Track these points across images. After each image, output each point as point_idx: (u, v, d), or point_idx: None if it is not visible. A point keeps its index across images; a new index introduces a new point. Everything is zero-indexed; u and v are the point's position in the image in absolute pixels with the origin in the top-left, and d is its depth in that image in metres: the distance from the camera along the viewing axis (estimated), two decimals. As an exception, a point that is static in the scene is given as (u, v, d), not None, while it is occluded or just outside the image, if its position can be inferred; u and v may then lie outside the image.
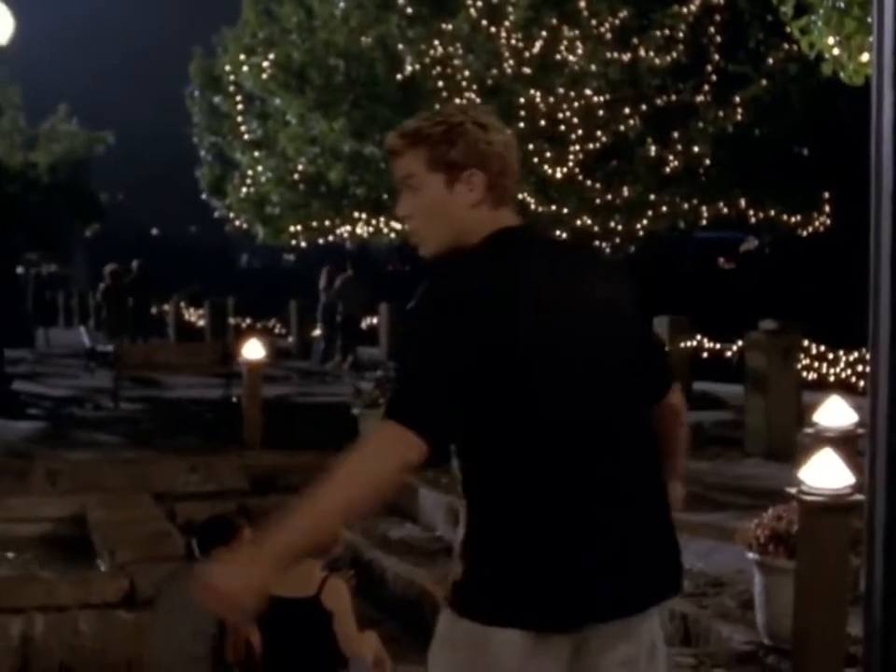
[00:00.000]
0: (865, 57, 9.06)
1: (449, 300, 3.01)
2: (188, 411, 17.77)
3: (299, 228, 23.52)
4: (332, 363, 23.84)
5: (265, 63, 22.01)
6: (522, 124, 19.67)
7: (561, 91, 19.91)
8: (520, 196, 19.62)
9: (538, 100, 19.79)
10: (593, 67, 19.97)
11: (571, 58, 20.06)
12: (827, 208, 22.02)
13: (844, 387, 13.93)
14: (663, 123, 20.40)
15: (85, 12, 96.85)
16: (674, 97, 20.54)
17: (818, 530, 5.88)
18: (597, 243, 22.20)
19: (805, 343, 16.23)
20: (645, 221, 20.89)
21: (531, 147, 19.73)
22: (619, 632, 3.12)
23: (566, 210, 20.13)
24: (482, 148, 3.20)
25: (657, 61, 20.31)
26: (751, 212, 21.51)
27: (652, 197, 20.46)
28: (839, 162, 20.04)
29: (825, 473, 5.81)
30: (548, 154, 19.92)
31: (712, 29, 20.83)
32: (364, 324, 24.77)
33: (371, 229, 22.89)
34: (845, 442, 7.34)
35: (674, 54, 20.48)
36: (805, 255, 32.12)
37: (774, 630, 6.77)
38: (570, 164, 20.16)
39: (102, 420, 16.71)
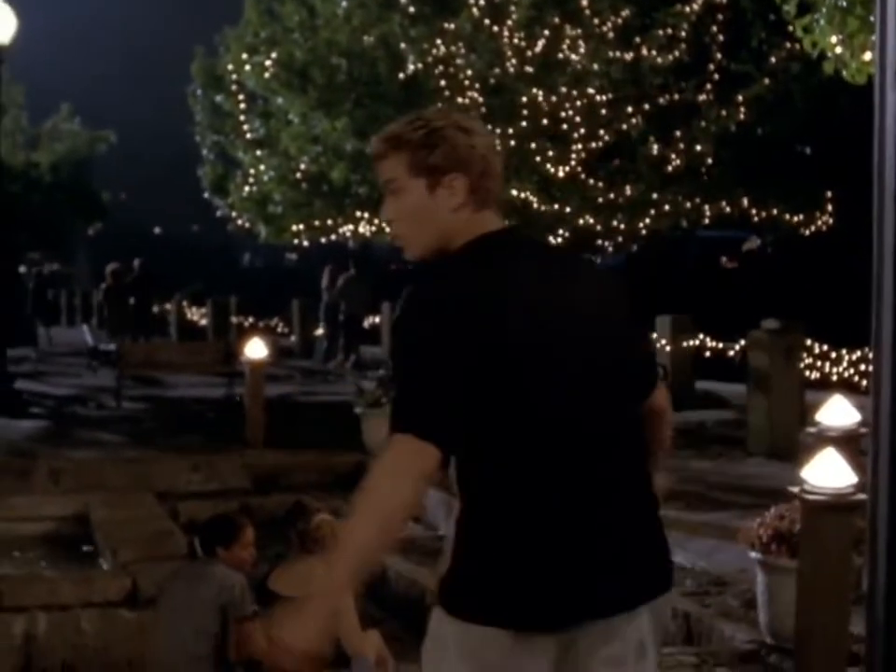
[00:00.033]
0: (868, 56, 9.06)
1: (437, 304, 3.01)
2: (190, 410, 17.77)
3: (301, 227, 23.51)
4: (335, 362, 23.85)
5: (267, 63, 22.01)
6: (524, 123, 19.68)
7: (563, 89, 19.90)
8: (522, 195, 19.64)
9: (540, 99, 19.78)
10: (595, 66, 19.97)
11: (574, 57, 20.05)
12: (829, 207, 22.01)
13: (846, 386, 13.91)
14: (665, 122, 20.40)
15: (87, 12, 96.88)
16: (676, 96, 20.53)
17: (820, 529, 5.88)
18: (600, 242, 22.23)
19: (808, 342, 16.23)
20: (647, 220, 20.88)
21: (534, 145, 19.74)
22: (606, 631, 3.12)
23: (568, 209, 20.13)
24: (463, 152, 3.18)
25: (659, 60, 20.31)
26: (754, 211, 21.50)
27: (655, 196, 20.46)
28: (841, 161, 20.04)
29: (828, 472, 5.81)
30: (550, 153, 19.92)
31: (714, 28, 20.82)
32: (366, 323, 24.77)
33: (373, 228, 22.88)
34: (847, 442, 7.33)
35: (676, 53, 20.47)
36: (807, 254, 32.10)
37: (776, 629, 6.77)
38: (573, 163, 20.16)
39: (104, 419, 16.71)
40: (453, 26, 20.06)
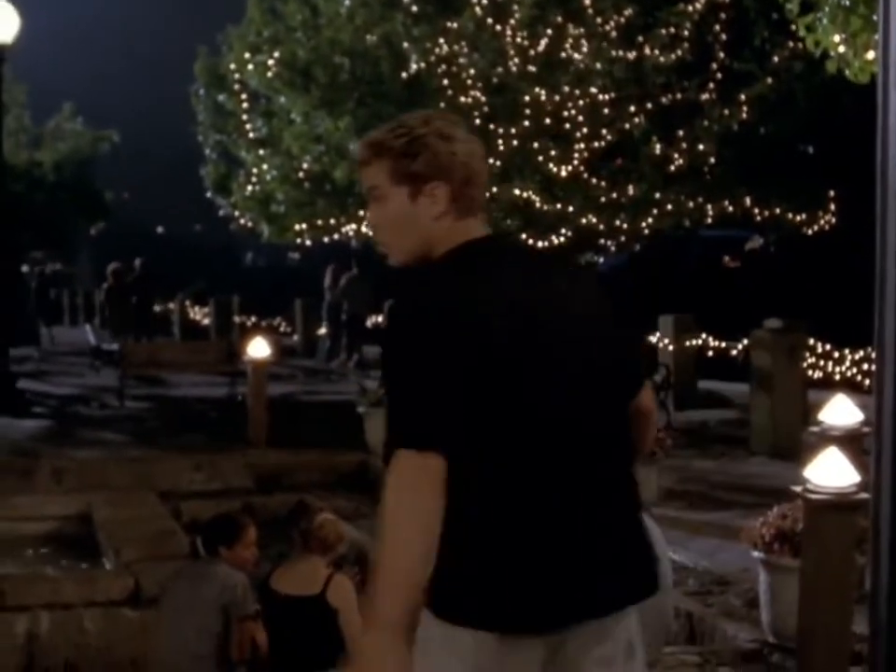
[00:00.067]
0: (871, 55, 9.06)
1: (422, 314, 3.00)
2: (193, 409, 17.79)
3: (304, 226, 23.51)
4: (337, 361, 23.86)
5: (270, 62, 22.00)
6: (527, 122, 19.67)
7: (566, 89, 19.89)
8: (525, 194, 19.64)
9: (543, 98, 19.77)
10: (598, 65, 19.96)
11: (576, 56, 20.04)
12: (832, 206, 21.99)
13: (849, 386, 13.90)
14: (668, 121, 20.38)
15: (89, 11, 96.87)
16: (679, 95, 20.52)
17: (823, 529, 5.87)
18: (603, 241, 22.22)
19: (811, 341, 16.23)
20: (650, 220, 20.87)
21: (536, 145, 19.74)
22: (597, 631, 3.11)
23: (571, 208, 20.11)
24: (445, 160, 3.18)
25: (662, 59, 20.29)
26: (756, 210, 21.48)
27: (657, 195, 20.45)
28: (844, 160, 20.02)
29: (830, 472, 5.81)
30: (553, 152, 19.91)
31: (717, 27, 20.80)
32: (369, 322, 24.76)
33: (375, 227, 22.84)
34: (850, 441, 7.34)
35: (679, 52, 20.46)
36: (810, 253, 32.06)
37: (779, 628, 6.77)
38: (575, 162, 20.15)
39: (107, 418, 16.72)
40: (455, 25, 20.05)
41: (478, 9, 19.92)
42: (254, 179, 23.99)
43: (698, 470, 12.68)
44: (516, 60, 19.94)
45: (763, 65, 20.30)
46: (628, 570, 3.19)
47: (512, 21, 19.89)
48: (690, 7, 20.47)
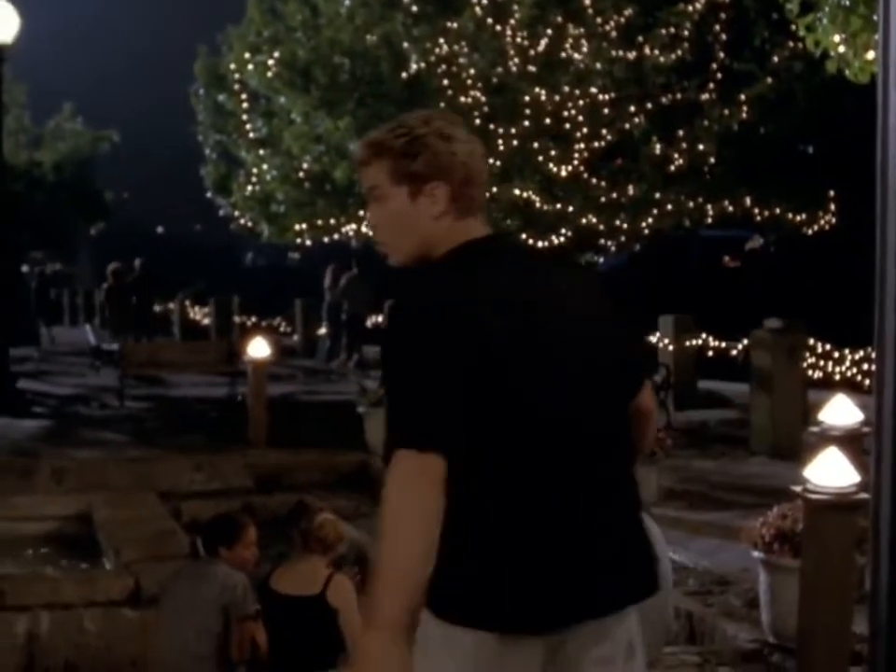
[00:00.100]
0: (871, 55, 9.06)
1: (423, 315, 3.00)
2: (193, 409, 17.79)
3: (304, 226, 23.50)
4: (337, 361, 23.86)
5: (270, 62, 22.00)
6: (527, 122, 19.67)
7: (566, 89, 19.89)
8: (525, 194, 19.63)
9: (543, 98, 19.77)
10: (598, 65, 19.96)
11: (576, 56, 20.04)
12: (832, 206, 21.98)
13: (849, 386, 13.90)
14: (668, 121, 20.38)
15: (89, 11, 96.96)
16: (679, 95, 20.52)
17: (823, 529, 5.88)
18: (603, 241, 22.22)
19: (811, 341, 16.24)
20: (650, 220, 20.87)
21: (536, 145, 19.74)
22: (597, 631, 3.11)
23: (571, 208, 20.11)
24: (444, 160, 3.19)
25: (662, 59, 20.29)
26: (757, 210, 21.47)
27: (657, 195, 20.45)
28: (844, 160, 20.02)
29: (830, 472, 5.81)
30: (553, 152, 19.91)
31: (717, 27, 20.80)
32: (369, 322, 24.77)
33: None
34: (850, 441, 7.34)
35: (679, 52, 20.46)
36: (810, 253, 32.08)
37: (779, 628, 6.77)
38: (575, 162, 20.15)
39: (107, 419, 16.73)
40: (455, 25, 20.05)
41: (478, 9, 19.92)
42: (254, 179, 23.99)
43: (698, 470, 12.69)
44: (516, 60, 19.94)
45: (762, 65, 20.30)
46: (628, 570, 3.19)
47: (512, 21, 19.89)
48: (690, 7, 20.46)
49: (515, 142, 19.64)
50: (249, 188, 24.11)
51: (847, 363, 16.74)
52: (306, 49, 21.68)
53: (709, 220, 21.96)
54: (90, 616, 8.13)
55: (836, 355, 16.86)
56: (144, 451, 13.80)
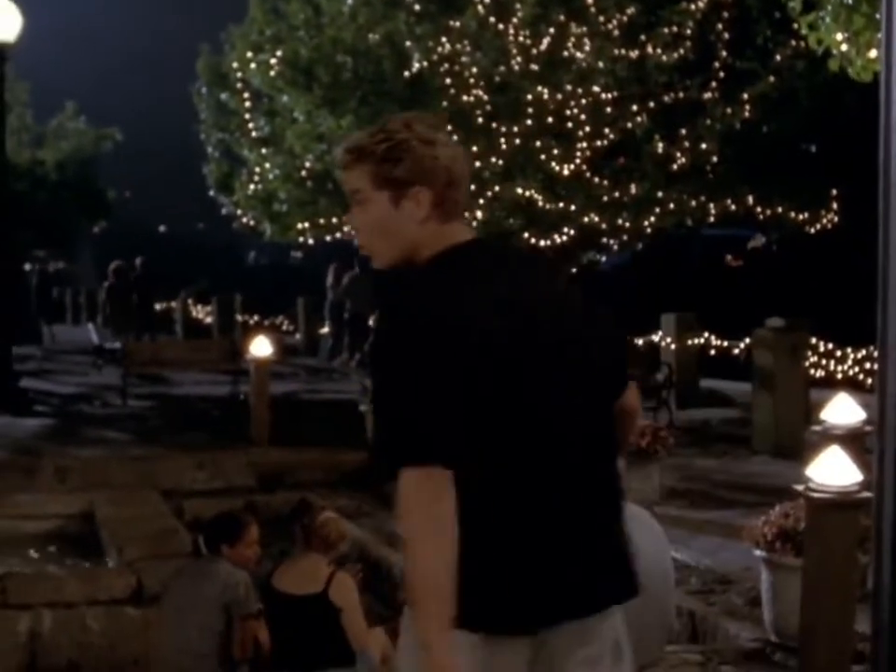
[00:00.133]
0: (873, 53, 9.06)
1: (413, 323, 2.99)
2: (195, 408, 17.79)
3: (306, 225, 23.47)
4: (340, 360, 23.86)
5: (273, 61, 21.98)
6: (529, 121, 19.65)
7: (569, 87, 19.87)
8: (527, 193, 19.62)
9: (545, 97, 19.75)
10: (600, 64, 19.93)
11: (579, 55, 20.02)
12: (835, 205, 21.95)
13: (851, 385, 13.90)
14: (670, 120, 20.36)
15: (92, 10, 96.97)
16: (681, 94, 20.49)
17: (825, 527, 5.88)
18: (605, 240, 22.20)
19: (813, 340, 16.23)
20: (652, 218, 20.84)
21: (539, 143, 19.72)
22: (581, 631, 3.13)
23: (573, 207, 20.09)
24: (427, 164, 3.19)
25: (665, 58, 20.27)
26: (759, 209, 21.44)
27: (660, 194, 20.42)
28: (847, 159, 20.00)
29: (833, 470, 5.81)
30: (555, 151, 19.89)
31: (720, 26, 20.77)
32: (371, 321, 24.75)
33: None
34: (852, 440, 7.35)
35: (681, 51, 20.43)
36: (812, 252, 32.07)
37: (781, 627, 6.78)
38: (578, 161, 20.13)
39: (110, 417, 16.73)
40: (458, 24, 20.03)
41: (480, 8, 19.90)
42: (256, 178, 23.96)
43: (700, 469, 12.69)
44: (519, 58, 19.92)
45: (765, 64, 20.27)
46: (613, 570, 3.21)
47: (515, 20, 19.87)
48: (692, 6, 20.44)
49: (518, 140, 19.62)
50: (252, 186, 24.08)
51: (850, 362, 16.74)
52: (309, 48, 21.66)
53: (712, 219, 21.93)
54: (92, 614, 8.14)
55: (839, 353, 16.86)
56: (146, 449, 13.81)
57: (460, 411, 2.94)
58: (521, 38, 19.90)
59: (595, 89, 19.95)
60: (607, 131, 20.22)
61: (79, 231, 41.72)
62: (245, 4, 24.08)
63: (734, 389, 17.48)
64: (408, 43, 20.40)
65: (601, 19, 20.12)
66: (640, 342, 18.31)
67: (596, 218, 20.44)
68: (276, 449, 13.31)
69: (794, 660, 6.38)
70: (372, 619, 6.71)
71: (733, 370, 17.52)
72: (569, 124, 20.01)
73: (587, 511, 3.14)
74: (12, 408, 16.54)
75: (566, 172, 20.01)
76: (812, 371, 15.83)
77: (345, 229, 22.93)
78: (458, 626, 2.98)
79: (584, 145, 20.11)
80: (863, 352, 16.37)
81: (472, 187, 19.49)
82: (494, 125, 19.63)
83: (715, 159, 20.56)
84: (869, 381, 15.03)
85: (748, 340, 15.92)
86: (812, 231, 22.45)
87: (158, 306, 29.26)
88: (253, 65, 22.59)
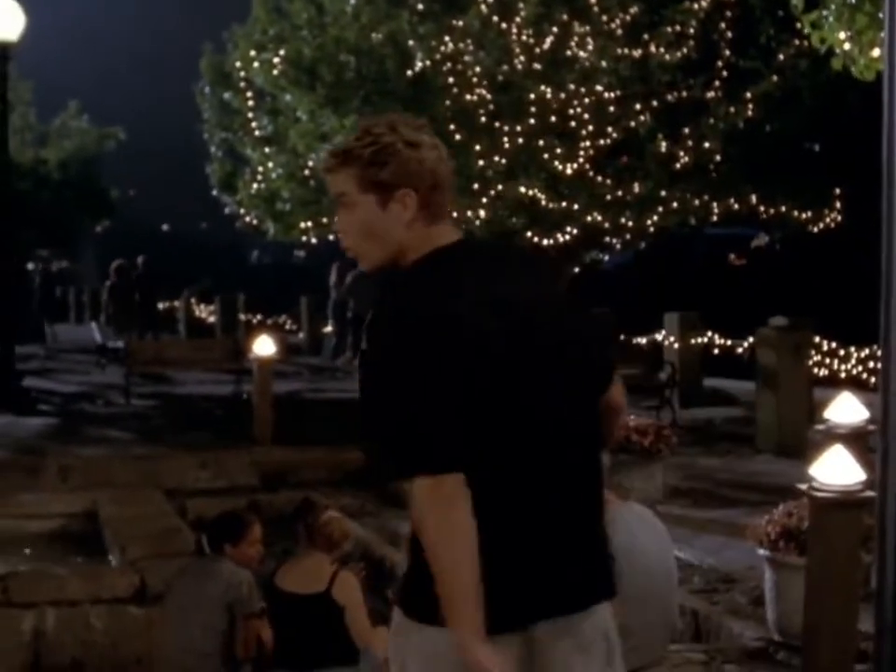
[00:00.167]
0: (876, 52, 9.05)
1: (406, 328, 3.00)
2: (198, 407, 17.80)
3: (309, 224, 23.46)
4: (343, 359, 23.86)
5: (276, 60, 21.97)
6: (532, 120, 19.65)
7: (572, 87, 19.86)
8: (530, 192, 19.62)
9: (548, 96, 19.74)
10: (603, 63, 19.92)
11: (582, 54, 20.01)
12: (838, 204, 21.94)
13: (855, 384, 13.91)
14: (673, 119, 20.35)
15: (95, 9, 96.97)
16: (684, 93, 20.48)
17: (828, 527, 5.88)
18: (608, 239, 22.20)
19: (816, 339, 16.22)
20: (655, 217, 20.83)
21: (541, 143, 19.72)
22: (567, 627, 3.16)
23: (576, 206, 20.08)
24: (413, 167, 3.20)
25: (668, 57, 20.26)
26: (762, 208, 21.43)
27: (663, 193, 20.41)
28: (850, 158, 19.97)
29: (836, 470, 5.81)
30: (558, 150, 19.88)
31: (723, 25, 20.75)
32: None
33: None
34: (856, 439, 7.35)
35: (685, 50, 20.42)
36: (816, 251, 32.08)
37: (784, 626, 6.77)
38: (581, 160, 20.12)
39: (113, 416, 16.74)
40: (461, 23, 20.02)
41: (483, 7, 19.90)
42: (259, 177, 23.95)
43: (704, 468, 12.69)
44: (522, 58, 19.91)
45: (768, 63, 20.26)
46: (600, 567, 3.27)
47: (518, 19, 19.87)
48: (695, 5, 20.43)
49: (521, 140, 19.61)
50: (255, 185, 24.07)
51: (853, 361, 16.73)
52: (312, 48, 21.66)
53: (715, 218, 21.91)
54: (95, 613, 8.14)
55: (842, 353, 16.85)
56: (149, 448, 13.81)
57: (461, 414, 2.95)
58: (524, 37, 19.89)
59: (599, 88, 19.94)
60: (610, 130, 20.22)
61: (82, 231, 41.75)
62: (248, 3, 24.08)
63: (737, 388, 17.48)
64: (411, 42, 20.40)
65: (604, 18, 20.12)
66: (643, 340, 18.33)
67: (599, 217, 20.43)
68: (279, 448, 13.31)
69: (798, 659, 6.37)
70: (376, 617, 6.70)
71: (736, 369, 17.53)
72: (572, 123, 20.01)
73: (576, 509, 3.18)
74: (15, 407, 16.55)
75: (569, 171, 20.00)
76: (815, 370, 15.83)
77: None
78: (445, 625, 3.01)
79: (587, 144, 20.11)
80: (867, 351, 16.37)
81: (475, 186, 19.54)
82: (497, 124, 19.63)
83: (718, 158, 20.54)
84: (872, 380, 15.02)
85: (751, 339, 15.92)
86: (815, 230, 22.43)
87: (161, 305, 29.27)
88: (256, 65, 22.58)
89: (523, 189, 19.55)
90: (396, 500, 10.45)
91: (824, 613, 5.88)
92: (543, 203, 19.82)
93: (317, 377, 22.20)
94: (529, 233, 20.34)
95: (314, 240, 24.44)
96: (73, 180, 36.16)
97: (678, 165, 20.39)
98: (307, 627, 6.45)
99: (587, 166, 20.18)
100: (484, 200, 19.72)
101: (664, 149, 20.23)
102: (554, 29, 19.86)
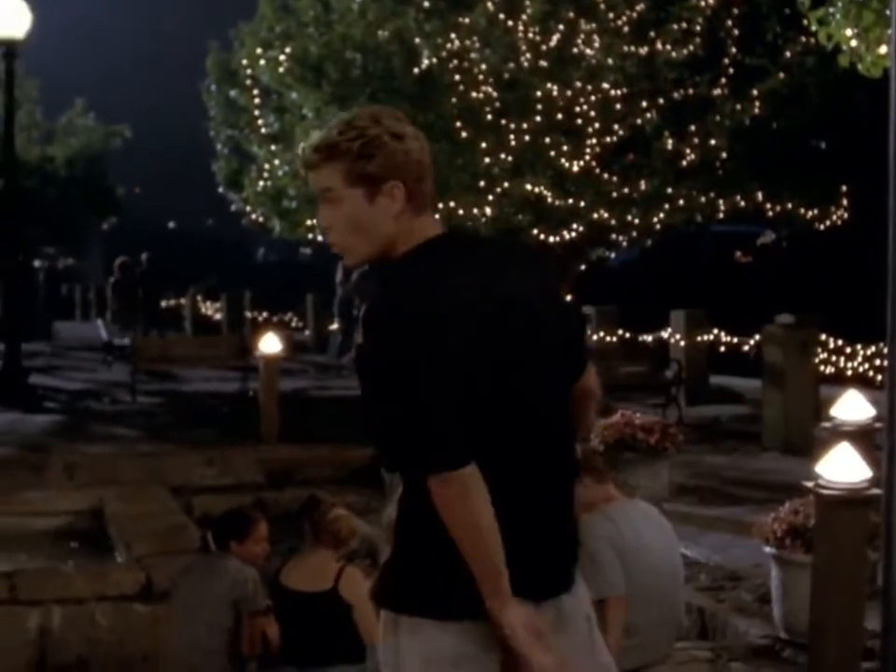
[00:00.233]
0: (883, 49, 9.05)
1: (405, 322, 2.99)
2: (204, 404, 17.79)
3: (315, 221, 23.50)
4: (349, 357, 23.82)
5: (282, 57, 21.98)
6: (539, 118, 19.65)
7: (578, 84, 19.87)
8: (537, 189, 19.62)
9: (555, 93, 19.75)
10: (610, 61, 19.93)
11: (588, 51, 20.02)
12: (844, 201, 21.93)
13: (861, 381, 13.92)
14: (680, 117, 20.35)
15: (100, 8, 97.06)
16: (691, 90, 20.48)
17: (835, 524, 5.87)
18: (614, 236, 22.21)
19: (823, 336, 16.22)
20: (662, 215, 20.84)
21: (548, 140, 19.72)
22: (555, 611, 3.21)
23: (582, 203, 20.09)
24: (399, 159, 3.19)
25: (674, 54, 20.26)
26: (768, 205, 21.43)
27: (669, 190, 20.42)
28: (857, 155, 19.98)
29: (842, 467, 5.80)
30: (565, 147, 19.89)
31: (729, 22, 20.76)
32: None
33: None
34: (862, 436, 7.34)
35: (691, 47, 20.43)
36: (822, 248, 32.07)
37: (791, 624, 6.77)
38: (587, 158, 20.13)
39: (119, 413, 16.73)
40: (467, 21, 20.04)
41: (490, 5, 19.91)
42: (266, 175, 23.97)
43: (710, 466, 12.68)
44: (528, 55, 19.92)
45: (775, 60, 20.26)
46: (572, 555, 3.33)
47: (524, 17, 19.87)
48: (702, 2, 20.43)
49: (527, 137, 19.62)
50: (261, 183, 24.09)
51: (860, 359, 16.73)
52: (318, 45, 21.67)
53: (721, 215, 21.92)
54: (101, 610, 8.14)
55: (848, 350, 16.85)
56: (155, 446, 13.81)
57: (464, 408, 2.96)
58: (530, 35, 19.90)
59: (605, 85, 19.95)
60: (616, 127, 20.22)
61: (88, 228, 41.77)
62: (253, 1, 24.09)
63: (743, 386, 17.46)
64: (417, 40, 20.41)
65: (610, 15, 20.13)
66: (650, 338, 18.32)
67: (606, 215, 20.44)
68: (285, 445, 13.31)
69: (804, 657, 6.37)
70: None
71: (742, 366, 17.52)
72: (579, 121, 20.02)
73: (560, 497, 3.25)
74: (21, 404, 16.56)
75: (575, 168, 20.01)
76: (822, 368, 15.83)
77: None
78: (446, 617, 3.06)
79: (594, 141, 20.11)
80: (873, 348, 16.36)
81: (482, 183, 19.56)
82: (503, 122, 19.64)
83: (724, 155, 20.55)
84: (879, 377, 15.01)
85: (757, 336, 15.90)
86: (822, 227, 22.43)
87: (167, 303, 29.28)
88: (262, 62, 22.58)
89: (529, 187, 19.56)
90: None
91: (830, 611, 5.88)
92: (549, 200, 19.83)
93: (323, 375, 22.20)
94: (535, 230, 20.34)
95: (319, 237, 24.43)
96: (79, 178, 36.17)
97: (684, 162, 20.40)
98: (313, 625, 6.44)
99: (593, 163, 20.19)
100: (491, 197, 19.72)
101: (670, 147, 20.23)
102: (561, 26, 19.87)
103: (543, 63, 19.90)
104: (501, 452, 3.06)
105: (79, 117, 37.61)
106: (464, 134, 19.36)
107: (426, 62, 20.28)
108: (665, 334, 17.73)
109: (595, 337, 18.03)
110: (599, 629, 3.43)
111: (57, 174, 35.95)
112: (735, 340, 17.52)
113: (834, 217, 22.14)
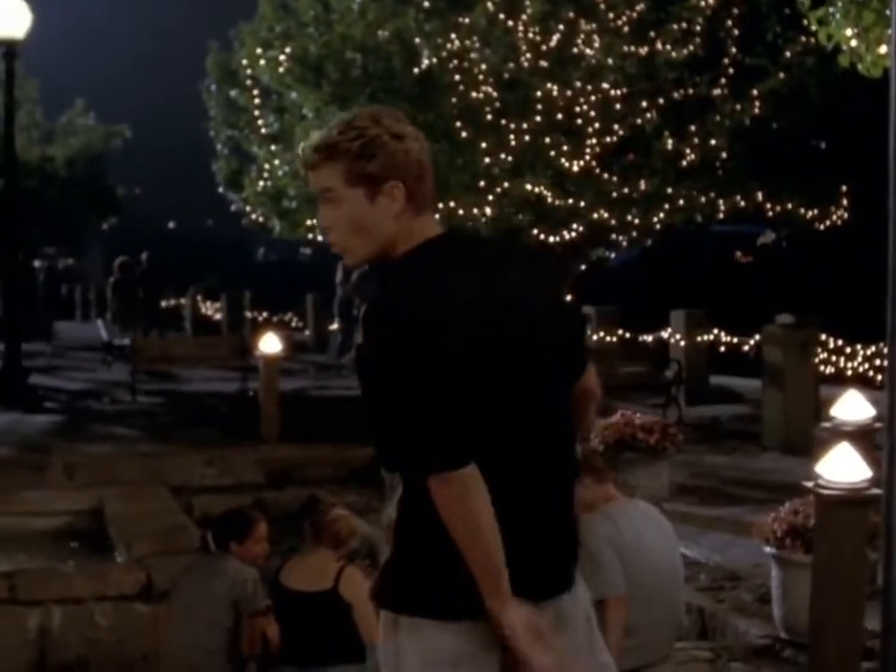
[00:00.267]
0: (883, 49, 9.05)
1: (406, 322, 2.99)
2: (204, 404, 17.79)
3: (315, 221, 23.49)
4: (349, 357, 23.82)
5: (282, 57, 21.98)
6: (539, 118, 19.65)
7: (578, 84, 19.87)
8: (537, 189, 19.62)
9: (555, 93, 19.75)
10: (610, 61, 19.93)
11: (588, 51, 20.02)
12: (845, 201, 21.93)
13: (861, 381, 13.91)
14: (680, 117, 20.35)
15: (99, 9, 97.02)
16: (691, 90, 20.48)
17: (835, 524, 5.87)
18: (614, 236, 22.21)
19: (823, 336, 16.22)
20: (662, 215, 20.84)
21: (548, 140, 19.72)
22: (555, 610, 3.21)
23: (582, 203, 20.09)
24: (400, 159, 3.19)
25: (674, 54, 20.26)
26: (768, 205, 21.43)
27: (669, 190, 20.41)
28: (857, 155, 19.98)
29: (842, 467, 5.80)
30: (565, 147, 19.89)
31: (729, 22, 20.76)
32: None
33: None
34: (862, 436, 7.34)
35: (691, 47, 20.43)
36: (822, 248, 32.06)
37: (791, 624, 6.77)
38: (587, 158, 20.13)
39: (119, 413, 16.74)
40: (467, 21, 20.04)
41: (490, 5, 19.91)
42: (266, 175, 23.97)
43: (710, 466, 12.68)
44: (528, 55, 19.92)
45: (775, 60, 20.26)
46: (569, 557, 3.33)
47: (524, 17, 19.87)
48: (702, 2, 20.43)
49: (527, 137, 19.62)
50: (261, 183, 24.09)
51: (860, 359, 16.72)
52: (318, 45, 21.66)
53: (721, 215, 21.92)
54: (101, 610, 8.14)
55: (848, 350, 16.84)
56: (155, 446, 13.82)
57: (464, 408, 2.96)
58: (530, 35, 19.90)
59: (605, 85, 19.95)
60: (616, 127, 20.22)
61: (88, 228, 41.81)
62: (253, 2, 24.09)
63: (743, 386, 17.46)
64: (417, 40, 20.40)
65: (610, 15, 20.13)
66: (650, 338, 18.32)
67: (606, 215, 20.44)
68: (285, 445, 13.31)
69: (804, 656, 6.37)
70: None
71: (742, 366, 17.52)
72: (579, 121, 20.02)
73: (561, 496, 3.25)
74: (21, 404, 16.56)
75: (575, 168, 20.01)
76: (822, 368, 15.82)
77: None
78: (446, 617, 3.06)
79: (594, 141, 20.11)
80: (873, 348, 16.35)
81: (482, 183, 19.56)
82: (503, 122, 19.64)
83: (724, 155, 20.55)
84: (879, 377, 15.00)
85: (757, 336, 15.91)
86: (822, 227, 22.43)
87: (167, 303, 29.27)
88: (262, 62, 22.58)
89: (529, 187, 19.56)
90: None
91: (830, 611, 5.88)
92: (549, 200, 19.83)
93: (323, 375, 22.21)
94: (535, 231, 20.34)
95: (319, 237, 24.43)
96: (79, 178, 36.19)
97: (684, 162, 20.40)
98: (313, 625, 6.44)
99: (593, 163, 20.19)
100: (491, 197, 19.72)
101: (670, 147, 20.23)
102: (561, 26, 19.87)
103: (543, 63, 19.90)
104: (501, 452, 3.06)
105: (79, 117, 37.63)
106: (464, 134, 19.36)
107: (426, 62, 20.28)
108: (664, 334, 17.73)
109: (595, 337, 18.04)
110: (599, 629, 3.43)
111: (57, 174, 35.96)
112: (735, 340, 17.51)
113: (834, 217, 22.14)
